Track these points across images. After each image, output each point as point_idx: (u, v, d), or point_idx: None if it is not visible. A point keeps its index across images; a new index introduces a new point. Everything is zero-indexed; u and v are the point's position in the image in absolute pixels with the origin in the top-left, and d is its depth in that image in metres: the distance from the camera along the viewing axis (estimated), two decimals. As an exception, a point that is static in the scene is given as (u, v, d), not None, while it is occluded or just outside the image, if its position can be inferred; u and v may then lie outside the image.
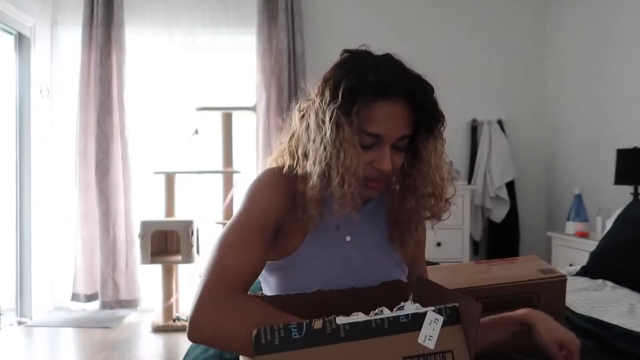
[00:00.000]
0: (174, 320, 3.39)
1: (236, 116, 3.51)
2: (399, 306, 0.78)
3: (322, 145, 0.91)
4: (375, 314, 0.76)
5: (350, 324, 0.75)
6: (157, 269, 3.46)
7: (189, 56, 3.87)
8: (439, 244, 3.46)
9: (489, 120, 3.87)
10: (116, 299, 3.71)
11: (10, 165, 3.59)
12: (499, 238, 3.87)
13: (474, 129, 3.94)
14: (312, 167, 0.92)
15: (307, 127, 0.95)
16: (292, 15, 3.70)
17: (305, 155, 0.95)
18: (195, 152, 3.72)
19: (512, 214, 3.84)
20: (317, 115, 0.93)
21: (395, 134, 0.92)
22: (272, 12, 3.72)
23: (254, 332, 0.73)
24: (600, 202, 3.20)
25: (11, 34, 3.55)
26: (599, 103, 3.34)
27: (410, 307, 0.78)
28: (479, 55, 3.95)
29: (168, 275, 3.42)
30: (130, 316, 3.66)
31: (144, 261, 3.34)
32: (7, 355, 3.00)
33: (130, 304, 3.73)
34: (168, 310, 3.39)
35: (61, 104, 3.89)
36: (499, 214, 3.82)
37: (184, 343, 3.08)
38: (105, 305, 3.68)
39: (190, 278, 3.60)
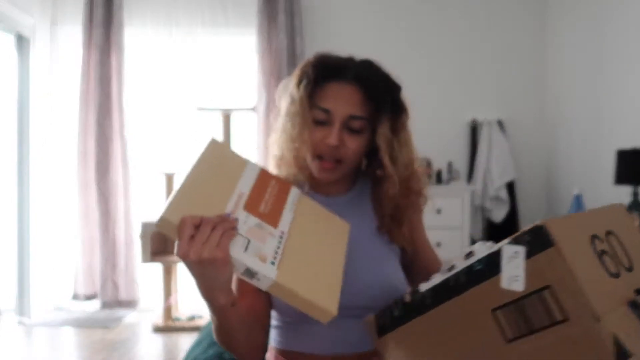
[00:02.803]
0: (174, 320, 3.39)
1: (236, 116, 3.51)
2: (467, 252, 0.71)
3: (282, 121, 1.04)
4: (449, 270, 0.72)
5: (432, 289, 0.73)
6: (156, 269, 3.46)
7: (189, 56, 3.87)
8: (438, 244, 3.46)
9: (489, 121, 3.87)
10: (116, 299, 3.71)
11: (10, 166, 3.59)
12: (498, 238, 3.81)
13: (474, 129, 3.94)
14: (278, 144, 1.06)
15: (277, 114, 1.09)
16: (292, 15, 3.70)
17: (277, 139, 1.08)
18: (195, 152, 3.71)
19: (512, 214, 3.84)
20: (283, 101, 1.06)
21: (344, 111, 0.98)
22: (272, 12, 3.72)
23: (371, 318, 0.83)
24: (600, 202, 3.20)
25: (11, 34, 3.55)
26: (599, 103, 3.34)
27: (481, 249, 0.67)
28: (479, 56, 3.94)
29: (168, 275, 3.42)
30: (130, 316, 3.66)
31: (144, 261, 3.34)
32: (7, 355, 3.00)
33: (130, 304, 3.73)
34: (168, 310, 3.39)
35: (61, 104, 3.89)
36: (498, 214, 3.82)
37: (183, 343, 3.08)
38: (105, 305, 3.68)
39: (190, 278, 3.60)
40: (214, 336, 0.94)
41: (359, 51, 1.09)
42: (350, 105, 0.99)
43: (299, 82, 1.01)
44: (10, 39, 3.57)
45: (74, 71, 3.75)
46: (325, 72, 1.00)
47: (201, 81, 3.86)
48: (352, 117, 0.99)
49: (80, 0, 3.69)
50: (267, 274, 0.77)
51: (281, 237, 0.83)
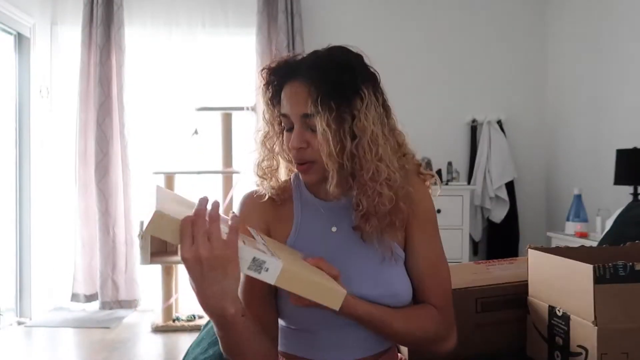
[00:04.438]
0: (174, 321, 3.39)
1: (236, 116, 3.51)
2: None
3: (260, 129, 1.04)
4: None
5: None
6: (156, 269, 3.46)
7: (189, 56, 3.88)
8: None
9: (489, 120, 3.87)
10: (116, 299, 3.70)
11: (10, 166, 3.59)
12: (498, 238, 3.87)
13: (474, 129, 3.94)
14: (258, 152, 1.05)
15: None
16: (292, 15, 3.71)
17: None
18: (195, 152, 3.72)
19: (512, 214, 3.84)
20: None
21: (296, 112, 0.95)
22: (272, 13, 3.73)
23: (593, 266, 0.96)
24: (600, 202, 3.20)
25: (11, 34, 3.55)
26: (599, 103, 3.34)
27: None
28: (479, 56, 3.95)
29: (167, 275, 3.42)
30: (130, 316, 3.66)
31: (144, 261, 3.34)
32: (7, 355, 3.00)
33: (130, 304, 3.73)
34: (167, 310, 3.39)
35: (61, 104, 3.89)
36: (498, 214, 3.82)
37: (183, 343, 3.08)
38: (105, 306, 3.67)
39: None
40: (223, 351, 0.92)
41: (359, 51, 1.08)
42: (300, 104, 0.93)
43: (264, 88, 1.01)
44: (10, 39, 3.57)
45: (74, 71, 3.75)
46: (277, 75, 0.98)
47: (201, 81, 3.86)
48: (305, 115, 0.93)
49: (80, 0, 3.69)
50: (275, 262, 0.78)
51: (264, 244, 0.85)
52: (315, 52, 0.98)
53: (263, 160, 1.04)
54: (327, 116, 0.91)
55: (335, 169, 0.93)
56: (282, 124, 1.00)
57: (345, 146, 0.92)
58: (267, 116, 1.02)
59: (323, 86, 0.91)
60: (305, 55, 0.99)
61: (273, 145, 1.04)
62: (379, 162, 0.93)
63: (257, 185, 1.06)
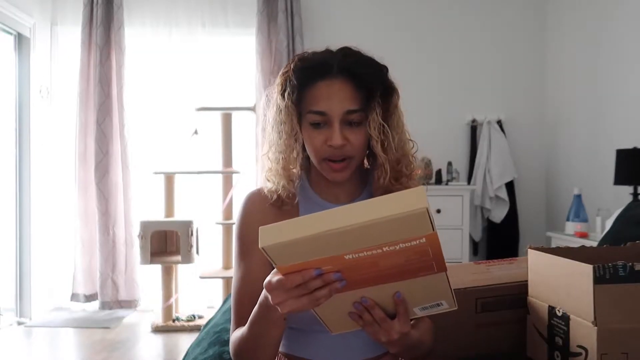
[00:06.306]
0: (174, 321, 3.39)
1: (236, 116, 3.51)
2: None
3: (268, 131, 1.01)
4: None
5: None
6: (156, 269, 3.46)
7: (189, 56, 3.88)
8: (438, 244, 3.46)
9: (489, 121, 3.87)
10: (116, 299, 3.70)
11: (10, 166, 3.59)
12: (498, 238, 3.87)
13: (474, 129, 3.94)
14: (267, 154, 1.03)
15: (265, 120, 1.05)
16: (292, 15, 3.70)
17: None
18: (195, 152, 3.72)
19: (512, 214, 3.84)
20: (267, 108, 1.04)
21: (339, 108, 0.95)
22: (272, 13, 3.73)
23: (593, 266, 0.97)
24: (600, 202, 3.20)
25: (11, 34, 3.55)
26: (599, 103, 3.34)
27: None
28: (479, 56, 3.95)
29: (167, 275, 3.42)
30: (130, 316, 3.66)
31: (144, 261, 3.34)
32: (7, 355, 3.00)
33: (130, 304, 3.72)
34: (167, 310, 3.39)
35: (61, 104, 3.90)
36: (498, 214, 3.82)
37: (183, 343, 3.08)
38: (104, 306, 3.67)
39: (190, 278, 3.61)
40: (238, 350, 0.95)
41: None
42: (344, 101, 0.94)
43: (284, 90, 0.98)
44: (10, 39, 3.57)
45: (74, 71, 3.75)
46: (308, 73, 0.96)
47: (201, 81, 3.86)
48: (348, 111, 0.94)
49: (80, 0, 3.69)
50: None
51: None
52: (342, 50, 0.99)
53: (277, 163, 1.01)
54: (377, 111, 0.96)
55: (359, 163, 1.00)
56: (310, 122, 0.96)
57: (391, 140, 0.98)
58: (287, 117, 0.98)
59: (367, 82, 0.95)
60: (324, 52, 0.99)
61: (287, 147, 1.00)
62: (403, 155, 1.01)
63: (269, 186, 1.03)
